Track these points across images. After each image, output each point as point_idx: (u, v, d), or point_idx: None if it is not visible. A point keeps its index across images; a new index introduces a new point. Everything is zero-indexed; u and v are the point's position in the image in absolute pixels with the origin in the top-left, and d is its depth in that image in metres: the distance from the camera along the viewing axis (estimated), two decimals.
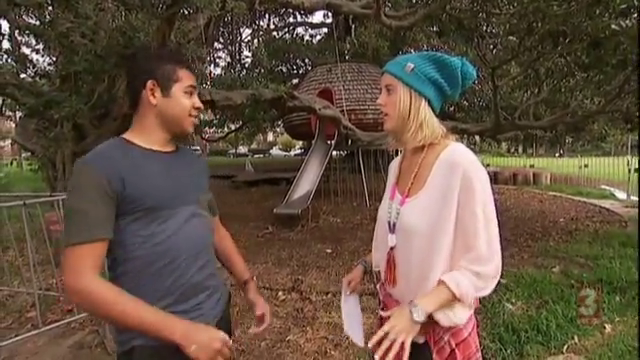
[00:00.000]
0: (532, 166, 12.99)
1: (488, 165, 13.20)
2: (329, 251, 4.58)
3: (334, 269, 3.77)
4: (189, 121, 1.02)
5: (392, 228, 1.00)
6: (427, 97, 0.95)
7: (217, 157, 28.14)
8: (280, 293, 3.29)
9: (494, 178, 10.82)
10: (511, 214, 6.49)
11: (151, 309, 0.85)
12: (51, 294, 3.16)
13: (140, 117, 1.00)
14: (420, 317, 0.85)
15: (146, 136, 0.99)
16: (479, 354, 1.00)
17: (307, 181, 7.30)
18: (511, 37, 5.76)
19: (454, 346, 0.94)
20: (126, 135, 1.00)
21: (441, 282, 0.89)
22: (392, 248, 1.01)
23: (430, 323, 0.92)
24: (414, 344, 0.93)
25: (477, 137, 12.99)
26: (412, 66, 0.94)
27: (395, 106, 0.96)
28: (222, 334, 0.90)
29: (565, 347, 2.31)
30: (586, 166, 11.12)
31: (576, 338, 2.39)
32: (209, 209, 1.12)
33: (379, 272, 1.13)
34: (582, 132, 7.91)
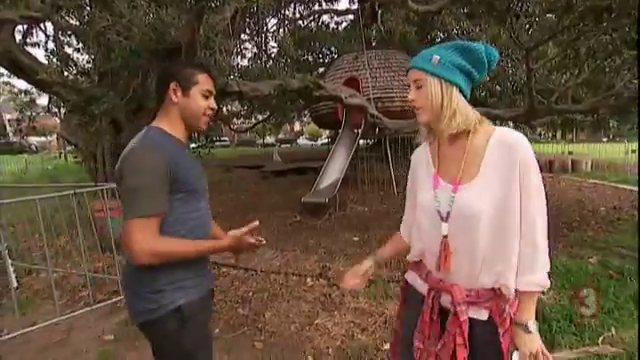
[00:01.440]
0: (571, 153, 12.26)
1: None
2: (356, 239, 4.62)
3: (361, 257, 3.79)
4: (203, 120, 1.19)
5: (445, 217, 1.00)
6: (457, 84, 0.97)
7: (245, 147, 28.69)
8: (308, 279, 3.38)
9: None
10: (546, 203, 6.23)
11: (203, 242, 1.14)
12: (99, 276, 3.43)
13: (165, 112, 1.17)
14: (535, 328, 0.96)
15: (174, 129, 1.16)
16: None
17: (334, 170, 7.34)
18: (549, 15, 5.43)
19: (513, 315, 0.99)
20: (161, 126, 1.15)
21: (526, 292, 0.95)
22: (445, 236, 1.01)
23: (493, 299, 0.98)
24: (475, 321, 0.99)
25: (511, 123, 12.43)
26: (438, 58, 0.97)
27: (427, 99, 0.98)
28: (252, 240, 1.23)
29: (600, 339, 2.24)
30: (633, 151, 10.30)
31: (613, 330, 2.31)
32: None
33: (420, 262, 1.14)
34: (629, 114, 7.36)
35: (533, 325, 0.96)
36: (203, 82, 1.15)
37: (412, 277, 1.17)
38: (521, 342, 0.96)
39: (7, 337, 2.52)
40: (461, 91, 0.98)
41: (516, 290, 0.96)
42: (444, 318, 1.02)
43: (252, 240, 1.23)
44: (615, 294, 2.66)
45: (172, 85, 1.13)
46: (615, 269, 3.13)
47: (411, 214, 1.20)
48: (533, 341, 0.96)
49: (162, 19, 4.37)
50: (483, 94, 9.83)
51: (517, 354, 0.97)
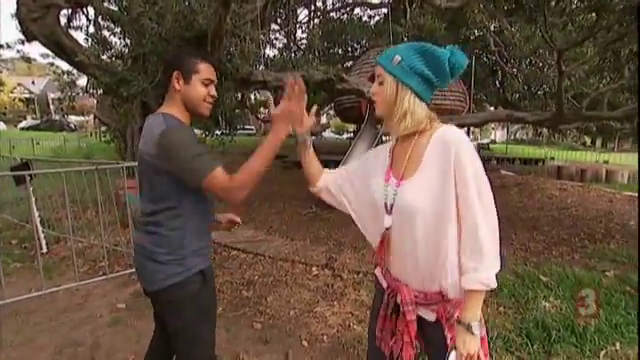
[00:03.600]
0: (607, 162, 11.60)
1: (553, 159, 12.09)
2: None
3: (368, 250, 3.85)
4: (204, 106, 1.27)
5: (389, 209, 1.05)
6: (412, 88, 0.99)
7: None
8: (314, 268, 3.45)
9: (558, 173, 9.91)
10: (570, 212, 5.97)
11: (262, 150, 1.18)
12: (118, 249, 3.66)
13: (170, 99, 1.26)
14: (478, 329, 0.95)
15: (181, 115, 1.26)
16: (484, 329, 1.03)
17: None
18: (589, 15, 5.14)
19: (445, 307, 1.02)
20: (172, 113, 1.24)
21: (470, 291, 0.94)
22: (387, 229, 1.06)
23: (441, 302, 1.01)
24: (425, 322, 1.04)
25: (545, 129, 11.86)
26: (399, 59, 0.99)
27: (383, 96, 1.03)
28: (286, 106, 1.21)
29: (602, 352, 2.18)
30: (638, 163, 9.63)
31: (618, 345, 2.23)
32: None
33: (380, 257, 1.15)
34: None
35: (476, 325, 0.94)
36: (203, 71, 1.24)
37: (377, 271, 1.22)
38: (460, 341, 0.95)
39: (33, 295, 2.76)
40: (417, 94, 1.00)
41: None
42: (398, 314, 1.08)
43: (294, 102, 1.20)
44: (626, 309, 2.55)
45: (175, 74, 1.22)
46: (632, 284, 3.00)
47: (341, 172, 1.27)
48: (472, 342, 0.94)
49: (192, 7, 4.51)
50: (516, 96, 9.46)
51: (454, 354, 0.96)
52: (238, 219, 1.49)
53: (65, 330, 2.42)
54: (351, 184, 1.22)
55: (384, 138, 8.79)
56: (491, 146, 19.28)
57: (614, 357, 2.15)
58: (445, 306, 1.00)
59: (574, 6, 4.55)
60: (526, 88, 7.75)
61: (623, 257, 3.78)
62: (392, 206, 1.04)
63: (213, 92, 1.28)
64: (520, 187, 8.09)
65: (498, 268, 0.93)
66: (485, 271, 0.92)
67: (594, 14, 4.23)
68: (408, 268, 1.04)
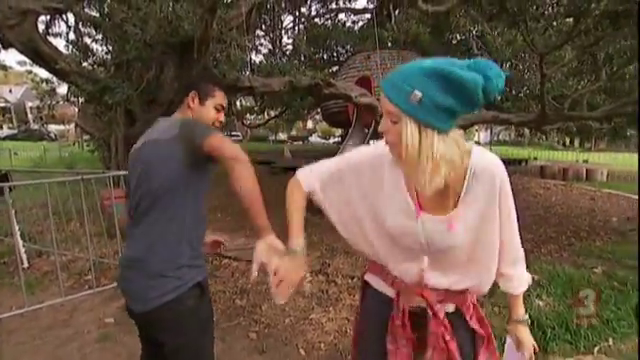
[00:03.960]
0: (586, 161, 11.98)
1: (535, 159, 12.41)
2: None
3: (361, 255, 3.84)
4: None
5: (428, 248, 0.96)
6: (438, 128, 0.78)
7: (257, 143, 28.89)
8: (307, 274, 3.41)
9: (541, 172, 10.16)
10: (556, 210, 6.11)
11: (261, 210, 1.20)
12: (104, 261, 3.54)
13: (181, 113, 1.35)
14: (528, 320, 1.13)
15: None
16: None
17: None
18: (568, 19, 5.31)
19: (474, 302, 1.08)
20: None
21: (514, 296, 1.09)
22: (423, 270, 0.99)
23: (460, 293, 1.02)
24: (447, 313, 1.03)
25: (526, 129, 12.19)
26: (419, 96, 0.75)
27: (402, 141, 0.79)
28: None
29: (596, 349, 2.21)
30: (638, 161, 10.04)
31: (610, 341, 2.28)
32: None
33: (381, 266, 1.08)
34: None
35: (527, 316, 1.12)
36: (218, 97, 1.35)
37: (374, 279, 1.12)
38: (523, 334, 1.11)
39: (15, 313, 2.63)
40: (440, 130, 0.79)
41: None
42: (414, 318, 1.04)
43: None
44: (616, 305, 2.61)
45: (192, 94, 1.32)
46: (619, 280, 3.07)
47: (332, 181, 1.06)
48: (527, 333, 1.12)
49: (176, 13, 4.45)
50: (499, 98, 9.68)
51: (510, 341, 1.15)
52: (222, 240, 1.47)
53: (50, 348, 2.31)
54: (342, 197, 1.08)
55: (371, 142, 8.88)
56: None
57: (607, 352, 2.19)
58: (466, 296, 1.04)
59: (553, 11, 4.70)
60: (508, 90, 7.95)
61: (608, 253, 3.88)
62: (429, 245, 0.95)
63: (222, 118, 1.38)
64: None
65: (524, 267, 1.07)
66: (526, 278, 1.06)
67: (571, 19, 4.36)
68: (436, 276, 1.02)
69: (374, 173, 0.99)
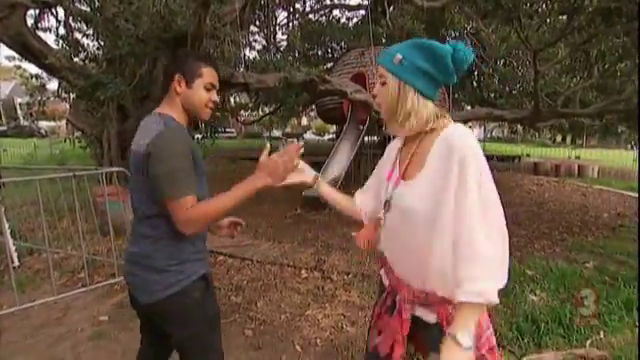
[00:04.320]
0: (578, 157, 12.12)
1: (528, 155, 12.51)
2: (354, 234, 4.62)
3: (357, 251, 3.84)
4: (205, 111, 1.23)
5: (387, 207, 1.04)
6: (415, 86, 0.95)
7: (251, 140, 28.75)
8: (303, 271, 3.41)
9: (534, 169, 10.26)
10: (549, 207, 6.18)
11: (234, 191, 1.12)
12: (97, 258, 3.50)
13: (169, 101, 1.21)
14: (469, 341, 0.81)
15: (179, 116, 1.21)
16: (490, 331, 0.99)
17: (337, 165, 7.34)
18: (561, 17, 5.34)
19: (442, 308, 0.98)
20: (170, 114, 1.19)
21: (463, 303, 0.83)
22: (381, 226, 1.08)
23: (442, 303, 0.96)
24: (425, 324, 1.00)
25: (519, 126, 12.28)
26: (400, 57, 0.95)
27: (386, 97, 0.99)
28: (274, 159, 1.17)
29: (589, 342, 2.24)
30: (637, 159, 10.20)
31: (602, 334, 2.31)
32: None
33: (385, 257, 1.14)
34: (635, 121, 7.24)
35: (466, 339, 0.81)
36: (207, 75, 1.20)
37: (382, 271, 1.20)
38: (445, 354, 0.83)
39: (6, 312, 2.59)
40: (421, 93, 0.96)
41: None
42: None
43: (284, 157, 1.16)
44: (608, 299, 2.65)
45: (177, 77, 1.18)
46: (610, 275, 3.12)
47: (370, 190, 1.23)
48: (459, 357, 0.81)
49: (170, 7, 4.39)
50: (492, 95, 9.73)
51: (434, 356, 0.88)
52: (241, 220, 1.43)
53: (42, 347, 2.28)
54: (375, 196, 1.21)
55: (366, 138, 8.87)
56: None
57: (599, 345, 2.22)
58: (446, 307, 0.96)
59: (547, 8, 4.72)
60: (502, 86, 7.99)
61: (600, 248, 3.94)
62: (389, 204, 1.03)
63: (215, 97, 1.24)
64: (499, 184, 8.25)
65: (502, 281, 0.84)
66: (482, 281, 0.81)
67: (565, 16, 4.39)
68: (409, 267, 1.03)
69: (387, 157, 1.16)
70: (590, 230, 4.79)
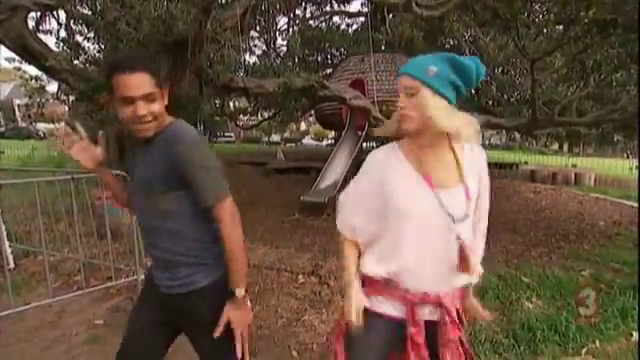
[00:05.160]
0: (575, 165, 12.17)
1: (526, 163, 12.56)
2: None
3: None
4: (135, 129, 1.08)
5: (461, 219, 1.01)
6: (448, 98, 0.99)
7: (250, 144, 28.78)
8: (300, 276, 3.41)
9: (531, 176, 10.30)
10: (545, 214, 6.20)
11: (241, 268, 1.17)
12: (94, 262, 3.48)
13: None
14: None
15: None
16: None
17: (335, 171, 7.36)
18: (558, 26, 5.41)
19: (458, 306, 1.10)
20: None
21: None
22: (459, 238, 1.00)
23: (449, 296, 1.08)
24: (432, 322, 1.06)
25: (517, 134, 12.37)
26: (435, 70, 0.97)
27: (418, 108, 0.98)
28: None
29: (584, 350, 2.25)
30: (637, 168, 10.26)
31: (598, 342, 2.31)
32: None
33: (389, 282, 1.06)
34: (634, 130, 7.32)
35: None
36: (118, 87, 1.03)
37: (374, 301, 1.09)
38: (476, 311, 1.24)
39: (1, 314, 2.57)
40: (450, 103, 1.01)
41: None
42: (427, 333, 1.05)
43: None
44: (603, 307, 2.65)
45: (108, 97, 1.10)
46: (606, 283, 3.13)
47: (363, 219, 1.12)
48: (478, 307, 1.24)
49: (171, 12, 4.42)
50: (490, 102, 9.81)
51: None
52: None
53: (36, 351, 2.26)
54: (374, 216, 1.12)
55: (364, 144, 8.91)
56: None
57: (594, 354, 2.23)
58: (452, 301, 1.08)
59: (543, 18, 4.79)
60: (500, 94, 8.06)
61: (596, 256, 3.95)
62: (466, 215, 1.03)
63: (138, 112, 1.05)
64: (497, 191, 8.34)
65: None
66: (478, 267, 1.11)
67: (562, 26, 4.45)
68: (445, 272, 1.04)
69: (387, 169, 1.06)
70: (586, 238, 4.81)
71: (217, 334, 1.13)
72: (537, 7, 4.61)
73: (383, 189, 1.05)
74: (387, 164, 1.07)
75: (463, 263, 1.00)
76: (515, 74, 7.97)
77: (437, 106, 0.96)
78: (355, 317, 1.05)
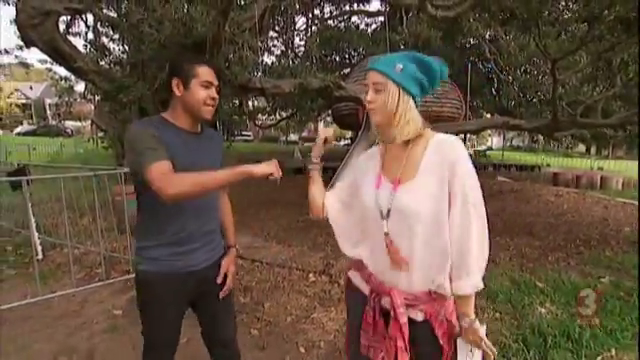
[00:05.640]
0: (601, 169, 11.71)
1: (548, 165, 12.18)
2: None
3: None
4: (205, 109, 1.28)
5: (386, 214, 1.05)
6: (413, 95, 1.03)
7: (268, 143, 29.08)
8: (311, 275, 3.45)
9: (553, 179, 9.98)
10: (566, 218, 6.01)
11: (234, 170, 1.18)
12: (115, 255, 3.64)
13: (172, 104, 1.31)
14: (474, 322, 1.02)
15: (177, 118, 1.30)
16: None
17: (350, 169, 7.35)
18: (582, 25, 5.22)
19: (449, 317, 1.05)
20: (164, 115, 1.32)
21: (463, 296, 1.02)
22: (386, 234, 1.05)
23: (429, 302, 1.03)
24: (415, 322, 1.05)
25: (540, 136, 12.00)
26: (401, 67, 1.01)
27: (385, 103, 1.02)
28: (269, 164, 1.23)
29: (599, 358, 2.19)
30: (638, 167, 9.74)
31: (613, 351, 2.25)
32: None
33: (361, 262, 1.17)
34: None
35: (473, 321, 1.02)
36: (202, 74, 1.25)
37: (354, 276, 1.22)
38: (472, 335, 1.02)
39: (29, 301, 2.74)
40: (416, 101, 1.04)
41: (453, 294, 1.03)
42: (386, 317, 1.07)
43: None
44: (621, 315, 2.57)
45: (174, 81, 1.26)
46: (626, 290, 3.02)
47: (337, 193, 1.28)
48: (480, 331, 1.02)
49: (191, 14, 4.55)
50: (512, 103, 9.56)
51: (460, 341, 1.04)
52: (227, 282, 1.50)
53: (61, 337, 2.41)
54: (346, 200, 1.25)
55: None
56: (488, 152, 19.44)
57: None
58: (433, 305, 1.04)
59: (566, 16, 4.63)
60: (521, 95, 7.85)
61: (618, 263, 3.81)
62: (389, 210, 1.04)
63: (213, 94, 1.28)
64: (516, 193, 8.14)
65: (483, 271, 1.01)
66: (477, 274, 0.99)
67: (586, 24, 4.31)
68: (403, 270, 1.05)
69: (367, 160, 1.21)
70: (609, 244, 4.64)
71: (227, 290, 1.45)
72: (559, 5, 4.47)
73: (355, 172, 1.22)
74: (369, 156, 1.20)
75: (392, 258, 1.04)
76: (538, 74, 7.73)
77: (403, 102, 1.01)
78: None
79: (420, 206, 0.99)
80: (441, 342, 1.03)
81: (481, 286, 1.00)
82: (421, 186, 1.01)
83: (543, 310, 2.62)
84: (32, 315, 2.65)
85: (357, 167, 1.23)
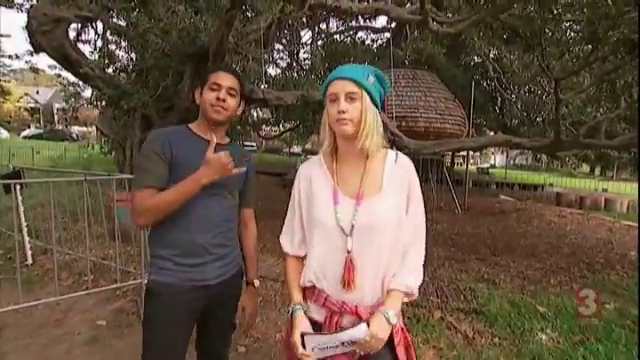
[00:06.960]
0: (605, 190, 11.56)
1: (552, 185, 12.06)
2: None
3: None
4: (210, 110, 1.27)
5: (349, 231, 0.99)
6: (378, 107, 1.05)
7: (271, 155, 29.16)
8: None
9: (557, 199, 9.85)
10: (569, 240, 5.89)
11: (181, 184, 1.17)
12: (105, 263, 3.56)
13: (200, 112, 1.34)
14: (394, 319, 0.98)
15: (199, 126, 1.32)
16: (405, 330, 1.09)
17: None
18: (587, 46, 5.22)
19: (403, 325, 1.07)
20: (191, 124, 1.34)
21: (394, 290, 1.01)
22: (349, 252, 0.99)
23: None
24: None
25: (544, 155, 11.93)
26: (373, 80, 1.04)
27: (359, 113, 1.01)
28: (219, 155, 1.18)
29: None
30: (638, 180, 9.59)
31: None
32: (241, 198, 1.43)
33: (313, 287, 1.06)
34: None
35: (393, 318, 0.98)
36: (211, 78, 1.28)
37: (311, 307, 1.08)
38: (376, 326, 0.96)
39: (9, 309, 2.65)
40: (379, 113, 1.06)
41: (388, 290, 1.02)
42: None
43: (221, 156, 1.18)
44: (627, 345, 2.45)
45: (197, 92, 1.33)
46: (632, 319, 2.89)
47: (299, 229, 1.15)
48: (385, 328, 0.97)
49: (196, 24, 4.60)
50: (514, 122, 9.53)
51: (365, 328, 0.96)
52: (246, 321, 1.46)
53: (38, 348, 2.31)
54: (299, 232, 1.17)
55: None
56: (490, 170, 19.34)
57: None
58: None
59: (567, 37, 4.62)
60: (525, 114, 7.81)
61: (624, 289, 3.69)
62: (353, 227, 0.99)
63: (220, 95, 1.25)
64: (519, 213, 8.02)
65: (420, 281, 1.05)
66: (414, 277, 1.03)
67: (589, 45, 4.29)
68: (368, 284, 1.01)
69: (311, 179, 1.12)
70: (614, 268, 4.51)
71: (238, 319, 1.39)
72: (562, 26, 4.46)
73: (306, 199, 1.11)
74: (312, 174, 1.12)
75: (346, 278, 0.99)
76: (541, 93, 7.72)
77: (373, 113, 1.02)
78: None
79: (388, 219, 1.01)
80: (397, 352, 1.01)
81: (415, 292, 1.03)
82: (387, 200, 1.02)
83: (544, 337, 2.50)
84: (11, 323, 2.56)
85: (304, 184, 1.13)
